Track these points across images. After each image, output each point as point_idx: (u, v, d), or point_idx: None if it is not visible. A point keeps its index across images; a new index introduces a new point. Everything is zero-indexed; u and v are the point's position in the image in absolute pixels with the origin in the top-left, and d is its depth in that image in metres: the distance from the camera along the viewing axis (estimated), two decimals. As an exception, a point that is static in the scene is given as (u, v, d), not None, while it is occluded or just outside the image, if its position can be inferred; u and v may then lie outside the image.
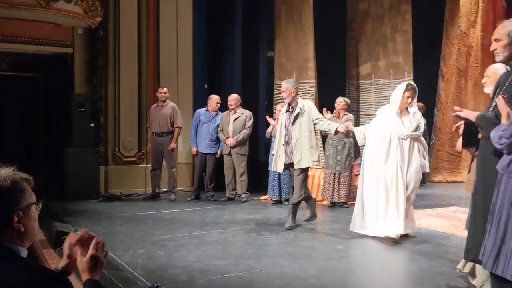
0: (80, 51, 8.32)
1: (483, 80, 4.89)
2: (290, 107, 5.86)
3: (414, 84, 5.41)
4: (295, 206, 5.80)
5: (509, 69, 3.23)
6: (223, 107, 8.06)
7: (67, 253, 1.78)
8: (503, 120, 2.83)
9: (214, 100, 7.97)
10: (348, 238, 5.29)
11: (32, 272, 1.50)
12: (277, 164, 5.93)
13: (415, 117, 5.28)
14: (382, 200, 5.14)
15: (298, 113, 5.74)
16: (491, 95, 3.49)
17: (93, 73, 8.34)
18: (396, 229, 5.03)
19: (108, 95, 8.36)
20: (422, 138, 5.43)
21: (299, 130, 5.71)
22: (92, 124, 8.01)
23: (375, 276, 3.97)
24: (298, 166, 5.68)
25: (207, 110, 7.98)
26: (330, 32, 9.85)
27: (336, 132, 5.73)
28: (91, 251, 1.72)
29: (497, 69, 4.81)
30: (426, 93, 10.33)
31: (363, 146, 5.62)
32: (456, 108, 3.44)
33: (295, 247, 4.96)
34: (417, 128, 5.24)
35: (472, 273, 3.68)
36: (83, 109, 7.87)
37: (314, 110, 5.90)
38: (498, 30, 3.18)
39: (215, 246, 4.89)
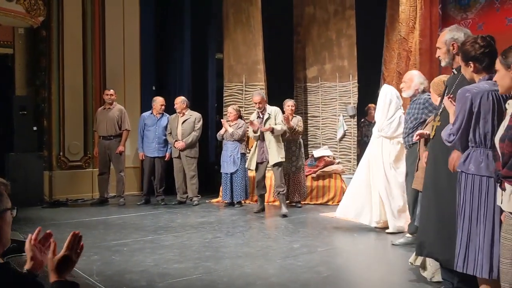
0: (21, 51, 7.98)
1: (401, 85, 5.26)
2: (261, 113, 6.85)
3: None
4: (284, 195, 6.75)
5: (455, 72, 3.44)
6: (171, 109, 7.99)
7: (30, 255, 1.77)
8: (451, 119, 3.01)
9: (158, 102, 7.87)
10: (303, 237, 5.42)
11: (5, 274, 1.46)
12: (251, 162, 6.90)
13: None
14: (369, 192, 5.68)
15: (268, 117, 6.78)
16: (439, 98, 3.72)
17: (36, 74, 8.02)
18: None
19: (51, 98, 8.06)
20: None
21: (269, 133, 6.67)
22: (35, 128, 7.69)
23: (331, 272, 4.08)
24: (272, 162, 6.67)
25: (151, 113, 7.88)
26: (277, 35, 10.01)
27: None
28: (63, 250, 1.71)
29: (413, 75, 5.21)
30: (370, 95, 10.74)
31: None
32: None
33: (252, 248, 5.01)
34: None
35: (423, 266, 3.87)
36: (25, 112, 7.55)
37: (280, 115, 6.88)
38: (439, 38, 3.44)
39: (172, 250, 4.84)
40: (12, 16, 7.27)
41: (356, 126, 9.59)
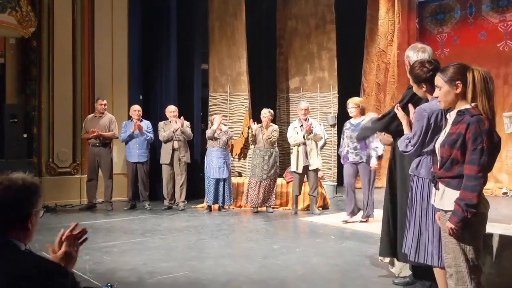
0: (12, 61, 8.22)
1: None
2: (304, 121, 7.66)
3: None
4: (316, 197, 7.72)
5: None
6: (161, 117, 8.30)
7: (57, 247, 1.96)
8: (405, 129, 3.37)
9: (132, 109, 8.19)
10: (283, 239, 5.75)
11: (38, 263, 1.72)
12: (298, 166, 7.59)
13: None
14: None
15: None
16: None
17: (26, 83, 8.26)
18: None
19: (41, 106, 8.30)
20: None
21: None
22: (25, 135, 7.92)
23: (307, 270, 4.41)
24: (314, 166, 7.61)
25: (131, 121, 8.16)
26: (261, 47, 10.40)
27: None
28: (64, 247, 1.95)
29: None
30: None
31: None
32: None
33: (235, 249, 5.33)
34: None
35: (392, 262, 4.22)
36: (16, 120, 7.76)
37: (318, 126, 7.88)
38: None
39: (159, 251, 5.13)
40: (4, 27, 7.54)
41: (336, 135, 9.97)
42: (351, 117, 6.93)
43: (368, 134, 3.91)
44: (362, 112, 6.81)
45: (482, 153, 2.52)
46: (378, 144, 6.54)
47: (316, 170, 7.60)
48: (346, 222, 6.75)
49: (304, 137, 7.52)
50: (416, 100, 3.56)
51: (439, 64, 3.26)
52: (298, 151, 7.57)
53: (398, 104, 3.52)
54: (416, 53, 3.69)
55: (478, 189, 2.54)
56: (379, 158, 6.82)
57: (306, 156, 7.53)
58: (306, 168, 7.54)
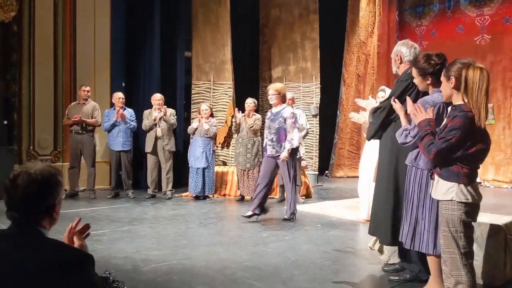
0: (-9, 46, 8.01)
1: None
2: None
3: None
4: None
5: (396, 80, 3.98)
6: (146, 104, 8.25)
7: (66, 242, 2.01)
8: (403, 120, 3.47)
9: (115, 97, 8.09)
10: (270, 227, 5.85)
11: (65, 250, 1.77)
12: None
13: None
14: None
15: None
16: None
17: (6, 69, 8.08)
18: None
19: (22, 92, 8.15)
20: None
21: None
22: (5, 122, 7.77)
23: (299, 257, 4.51)
24: None
25: (114, 109, 8.09)
26: (244, 36, 10.38)
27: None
28: (77, 241, 1.99)
29: None
30: (331, 96, 11.31)
31: None
32: (356, 100, 4.35)
33: (225, 237, 5.39)
34: None
35: (381, 250, 4.37)
36: (-5, 106, 7.61)
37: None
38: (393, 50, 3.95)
39: (149, 239, 5.15)
40: (-17, 11, 7.33)
41: (318, 125, 10.10)
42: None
43: (373, 132, 3.94)
44: (283, 99, 6.23)
45: (446, 143, 2.70)
46: (294, 136, 6.03)
47: (299, 159, 7.66)
48: (247, 216, 6.10)
49: None
50: (414, 93, 3.66)
51: (445, 59, 3.36)
52: None
53: (394, 97, 3.62)
54: (409, 49, 3.82)
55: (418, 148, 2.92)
56: (294, 151, 6.11)
57: None
58: None
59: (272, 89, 6.18)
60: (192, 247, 4.82)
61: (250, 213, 6.09)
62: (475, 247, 3.78)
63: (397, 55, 3.87)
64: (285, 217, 6.22)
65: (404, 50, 3.85)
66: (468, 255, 2.81)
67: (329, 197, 8.54)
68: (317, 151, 10.38)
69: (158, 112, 7.83)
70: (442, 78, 2.88)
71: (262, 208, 6.15)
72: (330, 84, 10.88)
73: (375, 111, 3.89)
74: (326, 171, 11.70)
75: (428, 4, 11.65)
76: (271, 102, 6.21)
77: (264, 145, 6.31)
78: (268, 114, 6.28)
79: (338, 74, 11.43)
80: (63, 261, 1.72)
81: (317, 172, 10.19)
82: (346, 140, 11.86)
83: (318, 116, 10.05)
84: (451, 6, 11.19)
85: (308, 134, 9.71)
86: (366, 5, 11.57)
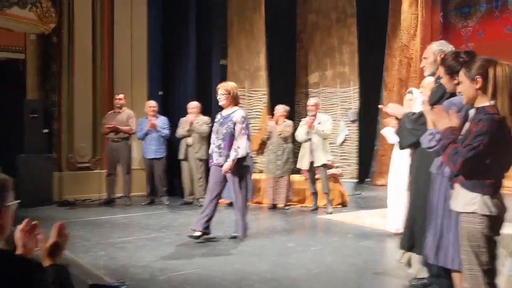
0: (32, 57, 8.31)
1: (420, 90, 5.44)
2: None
3: None
4: (328, 194, 7.38)
5: (436, 83, 3.69)
6: (182, 113, 8.29)
7: (20, 243, 1.94)
8: (429, 125, 3.23)
9: (147, 105, 8.17)
10: (298, 237, 5.68)
11: (15, 263, 1.68)
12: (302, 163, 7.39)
13: None
14: None
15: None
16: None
17: (46, 79, 8.35)
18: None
19: (61, 101, 8.38)
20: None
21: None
22: (45, 130, 8.00)
23: (322, 269, 4.32)
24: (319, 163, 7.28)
25: (146, 117, 8.15)
26: (280, 42, 10.27)
27: None
28: (52, 238, 1.93)
29: (431, 81, 5.39)
30: (370, 102, 10.96)
31: None
32: (380, 106, 4.03)
33: (248, 246, 5.25)
34: None
35: (409, 263, 4.10)
36: (36, 115, 7.84)
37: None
38: (426, 50, 3.70)
39: (173, 247, 5.11)
40: (24, 23, 7.62)
41: (357, 131, 9.81)
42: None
43: (413, 140, 3.57)
44: (235, 101, 5.41)
45: (473, 151, 2.43)
46: (241, 144, 5.21)
47: (323, 166, 7.31)
48: (195, 237, 5.27)
49: (307, 133, 7.31)
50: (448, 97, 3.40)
51: (476, 56, 3.10)
52: (303, 147, 7.46)
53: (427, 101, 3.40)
54: (450, 48, 3.58)
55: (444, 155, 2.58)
56: (241, 161, 5.25)
57: (311, 152, 7.31)
58: (312, 164, 7.35)
59: (221, 88, 5.35)
60: (211, 256, 4.74)
61: (198, 233, 5.29)
62: (510, 260, 3.49)
63: (439, 55, 3.59)
64: (233, 234, 5.48)
65: (445, 49, 3.58)
66: (490, 273, 2.54)
67: (366, 206, 8.22)
68: (357, 158, 10.07)
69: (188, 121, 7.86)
70: (463, 79, 2.63)
71: (208, 226, 5.35)
72: (369, 89, 10.55)
73: (419, 116, 3.60)
74: (367, 179, 11.34)
75: (474, 4, 11.12)
76: (220, 103, 5.40)
77: (210, 151, 5.54)
78: (218, 116, 5.47)
79: (378, 79, 11.08)
80: (13, 273, 1.64)
81: (357, 180, 9.87)
82: (388, 147, 11.43)
83: (357, 122, 9.76)
84: (499, 5, 10.63)
85: (347, 141, 9.46)
86: (408, 7, 11.20)
